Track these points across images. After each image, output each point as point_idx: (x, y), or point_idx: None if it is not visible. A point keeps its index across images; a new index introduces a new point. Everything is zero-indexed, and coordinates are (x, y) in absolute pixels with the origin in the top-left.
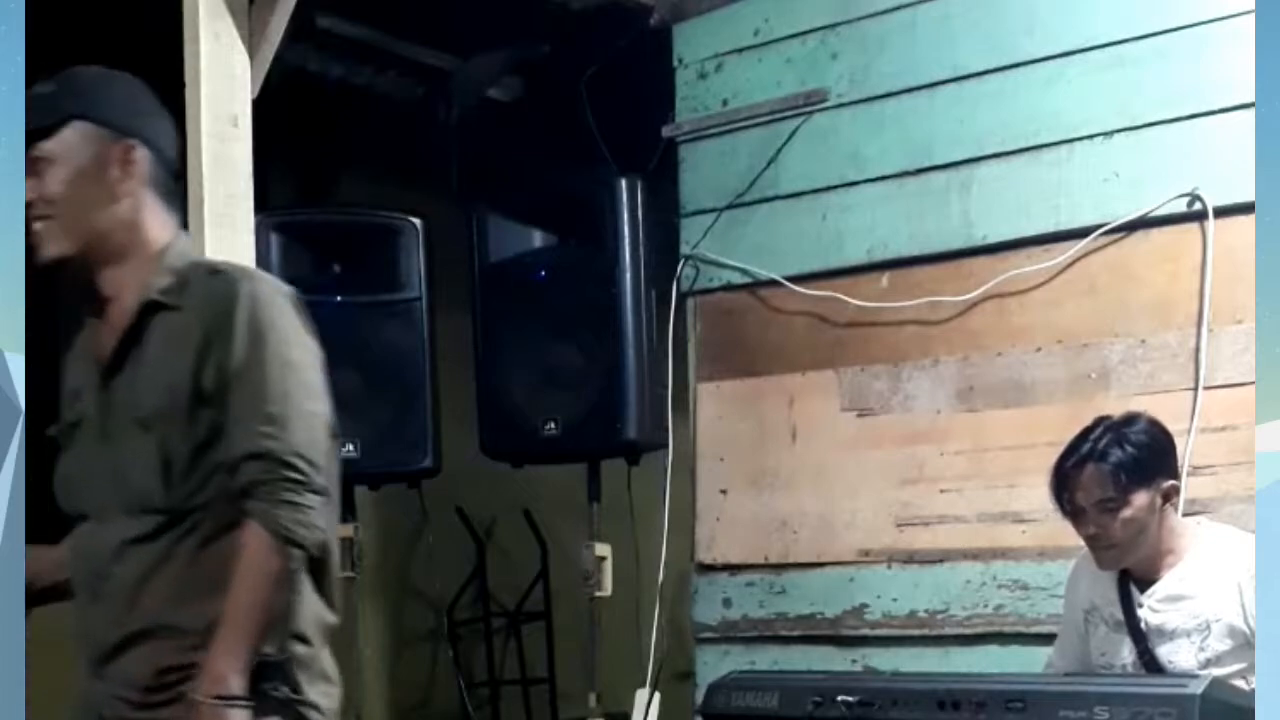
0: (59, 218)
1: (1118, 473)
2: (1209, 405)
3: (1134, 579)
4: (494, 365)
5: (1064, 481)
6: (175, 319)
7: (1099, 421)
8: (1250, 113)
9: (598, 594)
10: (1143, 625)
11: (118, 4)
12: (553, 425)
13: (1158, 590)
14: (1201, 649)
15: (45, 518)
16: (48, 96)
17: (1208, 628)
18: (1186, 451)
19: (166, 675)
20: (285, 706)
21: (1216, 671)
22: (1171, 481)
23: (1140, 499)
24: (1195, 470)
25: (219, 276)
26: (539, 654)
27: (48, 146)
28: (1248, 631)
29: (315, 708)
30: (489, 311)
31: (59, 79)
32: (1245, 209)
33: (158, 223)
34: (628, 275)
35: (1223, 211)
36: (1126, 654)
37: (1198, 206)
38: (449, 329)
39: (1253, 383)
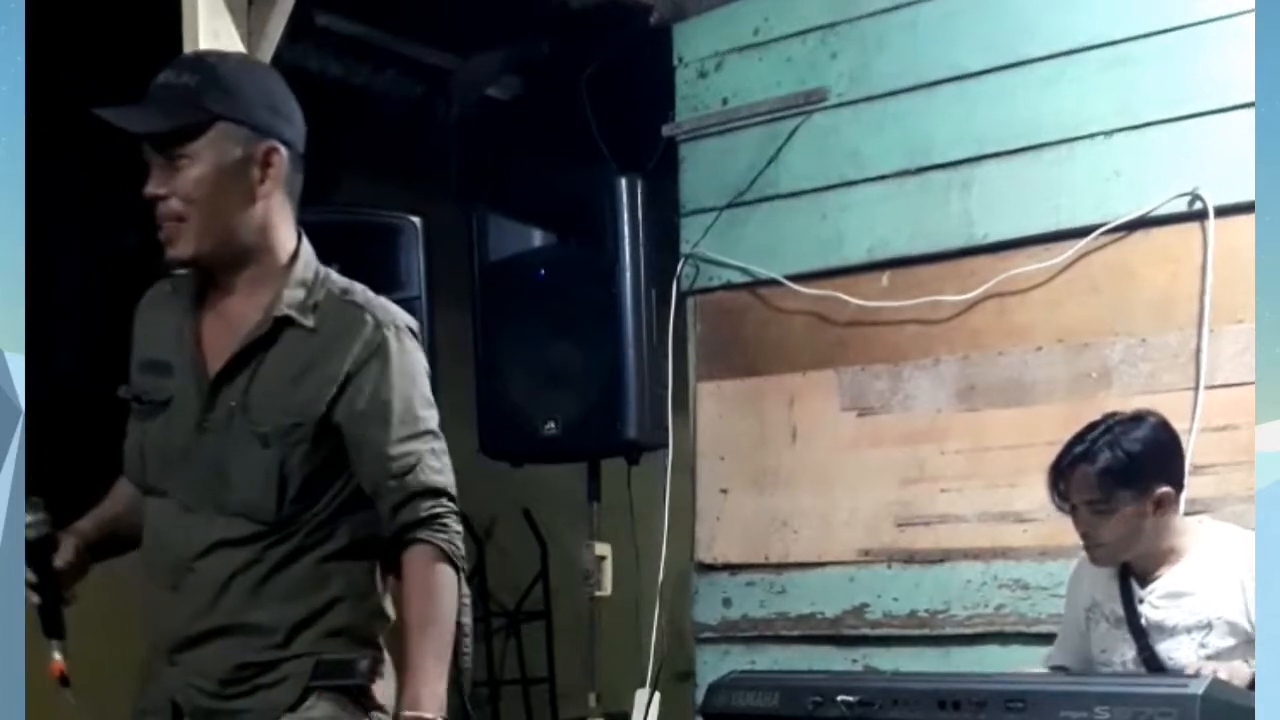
0: (195, 218)
1: (1104, 476)
2: (1210, 405)
3: (1135, 575)
4: (494, 364)
5: (1060, 476)
6: (308, 341)
7: (1105, 418)
8: (1250, 112)
9: (598, 594)
10: (1143, 622)
11: (117, 4)
12: (552, 425)
13: (1158, 587)
14: (1202, 646)
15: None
16: (192, 90)
17: (1209, 625)
18: (1188, 451)
19: (244, 670)
20: (361, 706)
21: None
22: (1165, 489)
23: (1127, 504)
24: (1196, 470)
25: (355, 307)
26: (539, 654)
27: (193, 147)
28: (1249, 629)
29: (382, 710)
30: (489, 311)
31: (200, 69)
32: (1246, 208)
33: (287, 226)
34: (628, 274)
35: (1223, 211)
36: (1127, 651)
37: (1198, 206)
38: (449, 328)
39: (1253, 382)
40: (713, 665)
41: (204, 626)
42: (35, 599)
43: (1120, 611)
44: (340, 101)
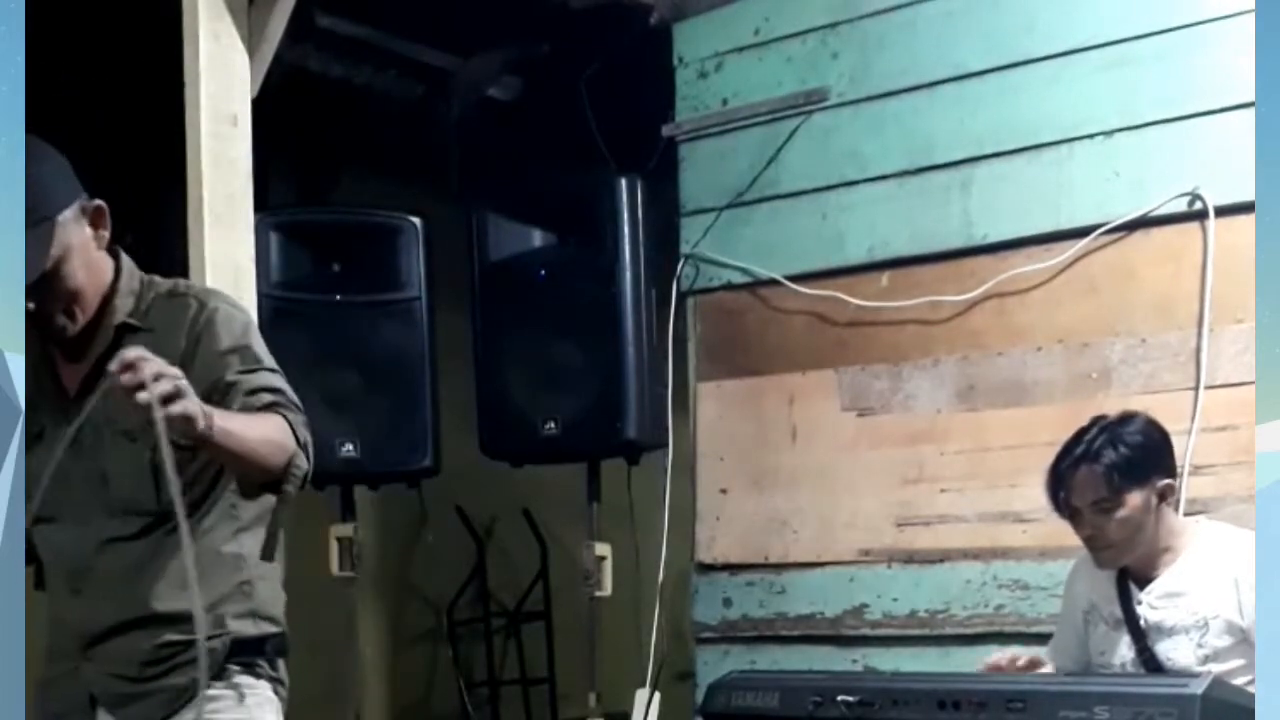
0: (80, 303)
1: (1111, 474)
2: (1210, 405)
3: (1133, 577)
4: (494, 365)
5: (1059, 482)
6: (147, 339)
7: (1094, 421)
8: (1250, 112)
9: (598, 594)
10: (1142, 623)
11: (117, 4)
12: (552, 425)
13: (1156, 587)
14: (1200, 645)
15: None
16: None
17: (1206, 625)
18: (1187, 451)
19: (164, 649)
20: (273, 680)
21: (1216, 668)
22: (1167, 480)
23: (1135, 499)
24: (1196, 470)
25: (179, 296)
26: (539, 654)
27: (54, 250)
28: (1245, 628)
29: (283, 684)
30: (489, 311)
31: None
32: (1246, 208)
33: (102, 255)
34: (628, 274)
35: (1223, 211)
36: (1125, 651)
37: (1198, 206)
38: (449, 328)
39: (1253, 382)
40: (713, 665)
41: (114, 620)
42: None
43: (1119, 613)
44: (341, 102)
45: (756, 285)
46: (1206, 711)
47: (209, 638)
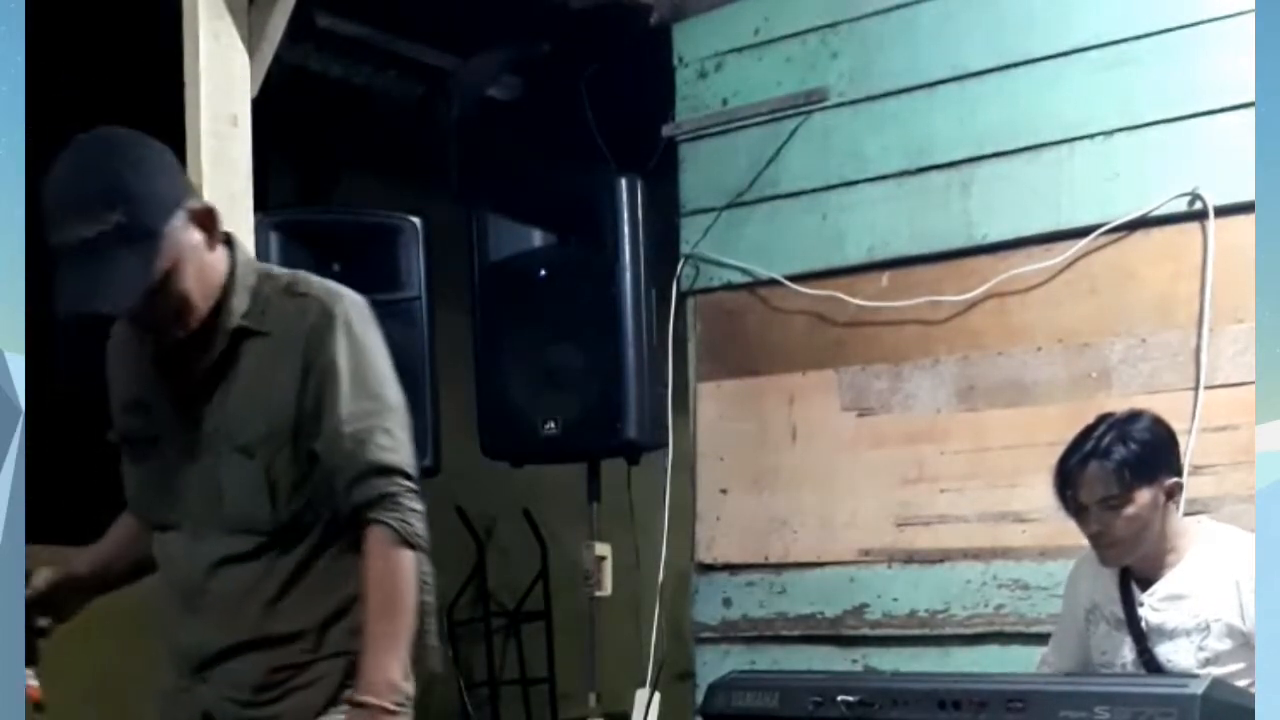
0: (186, 308)
1: (1121, 470)
2: (1209, 405)
3: (1135, 578)
4: (494, 365)
5: (1068, 479)
6: (266, 344)
7: (1102, 419)
8: (1250, 112)
9: (598, 594)
10: (1143, 624)
11: (118, 4)
12: (553, 425)
13: (1159, 589)
14: (1201, 648)
15: (47, 516)
16: (127, 229)
17: (1207, 628)
18: (1187, 451)
19: (278, 674)
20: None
21: (1216, 671)
22: (1175, 479)
23: (1143, 496)
24: (1196, 470)
25: (299, 297)
26: (539, 654)
27: (161, 263)
28: (1246, 631)
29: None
30: (489, 311)
31: (115, 197)
32: (1246, 208)
33: (218, 251)
34: (628, 274)
35: (1223, 211)
36: (1127, 653)
37: (1198, 206)
38: (449, 329)
39: (1253, 382)
40: (713, 665)
41: (228, 642)
42: None
43: (1121, 614)
44: (341, 102)
45: (756, 285)
46: (1206, 712)
47: (322, 659)
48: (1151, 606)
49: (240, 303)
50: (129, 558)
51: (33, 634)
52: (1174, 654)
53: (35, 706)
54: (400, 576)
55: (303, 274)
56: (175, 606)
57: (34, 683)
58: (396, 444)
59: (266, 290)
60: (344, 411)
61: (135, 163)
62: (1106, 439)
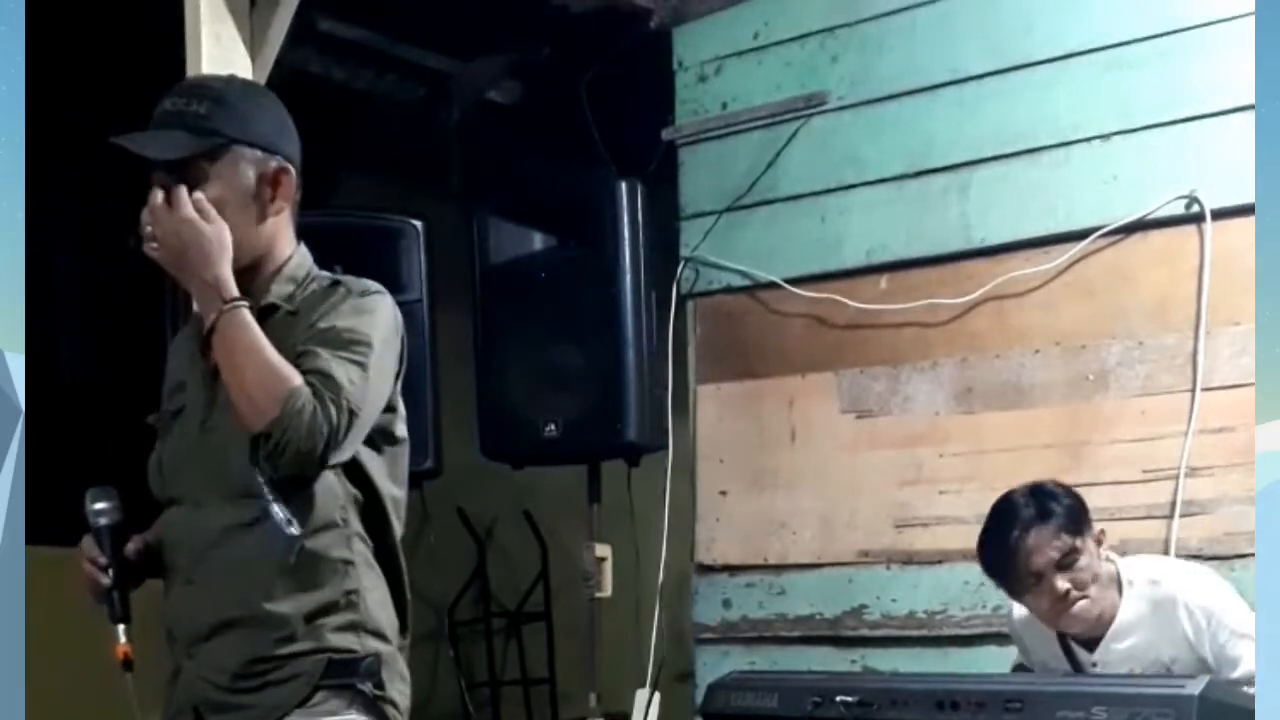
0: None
1: (1064, 525)
2: (1206, 407)
3: (1077, 641)
4: (494, 367)
5: (1011, 555)
6: (290, 322)
7: (1006, 497)
8: (1249, 115)
9: (598, 594)
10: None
11: (118, 5)
12: (553, 426)
13: (1104, 649)
14: None
15: (46, 518)
16: (203, 117)
17: (1168, 670)
18: (1184, 453)
19: (256, 665)
20: (370, 704)
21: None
22: (1100, 527)
23: (1089, 546)
24: (1193, 471)
25: (333, 284)
26: (539, 654)
27: (211, 168)
28: (1210, 660)
29: (394, 705)
30: (489, 313)
31: (209, 94)
32: (1243, 211)
33: (287, 237)
34: (628, 277)
35: (1221, 214)
36: None
37: (1196, 209)
38: (449, 330)
39: (1250, 384)
40: (712, 666)
41: (218, 618)
42: (106, 581)
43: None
44: (342, 105)
45: (756, 288)
46: (1204, 712)
47: (302, 654)
48: (1104, 664)
49: (281, 289)
50: None
51: (126, 591)
52: None
53: (125, 664)
54: (289, 373)
55: (351, 276)
56: (178, 580)
57: (124, 640)
58: (358, 382)
59: (310, 285)
60: (314, 344)
61: (250, 93)
62: (1031, 507)
